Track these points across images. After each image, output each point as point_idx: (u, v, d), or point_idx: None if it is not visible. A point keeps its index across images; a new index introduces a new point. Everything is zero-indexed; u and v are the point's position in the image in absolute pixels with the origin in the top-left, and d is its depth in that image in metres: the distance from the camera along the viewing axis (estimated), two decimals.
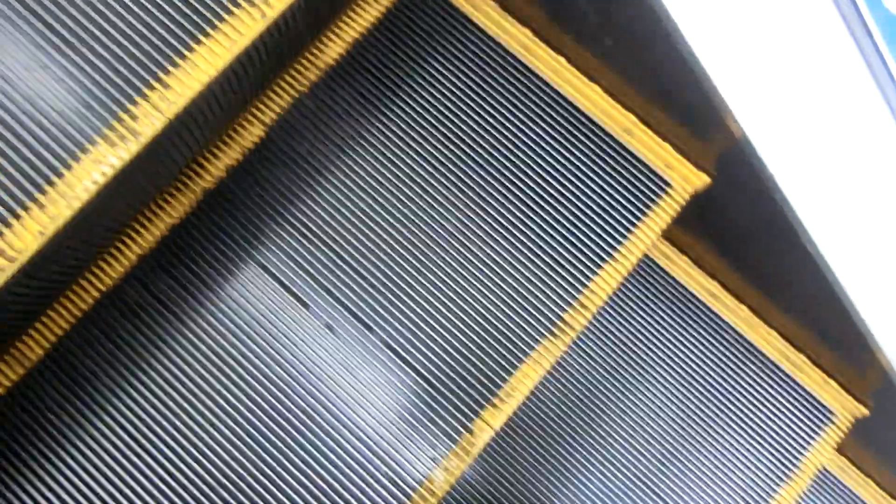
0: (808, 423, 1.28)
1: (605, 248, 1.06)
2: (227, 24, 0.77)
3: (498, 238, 1.06)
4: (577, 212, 1.08)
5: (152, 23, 0.77)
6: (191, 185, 1.06)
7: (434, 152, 1.09)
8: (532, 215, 1.07)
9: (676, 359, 1.31)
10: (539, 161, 1.09)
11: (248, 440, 1.00)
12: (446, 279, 1.05)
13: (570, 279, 1.05)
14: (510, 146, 1.09)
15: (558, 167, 1.09)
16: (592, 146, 1.09)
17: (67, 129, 0.75)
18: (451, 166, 1.08)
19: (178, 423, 1.00)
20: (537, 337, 1.03)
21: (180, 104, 0.77)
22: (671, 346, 1.32)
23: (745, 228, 1.09)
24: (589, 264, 1.06)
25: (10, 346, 1.01)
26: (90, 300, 1.03)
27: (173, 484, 0.98)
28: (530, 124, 1.10)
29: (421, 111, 1.10)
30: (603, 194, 1.08)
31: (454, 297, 1.04)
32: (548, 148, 1.09)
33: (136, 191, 0.96)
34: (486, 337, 1.03)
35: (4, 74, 0.75)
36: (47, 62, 0.76)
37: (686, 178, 1.09)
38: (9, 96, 0.75)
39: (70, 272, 0.98)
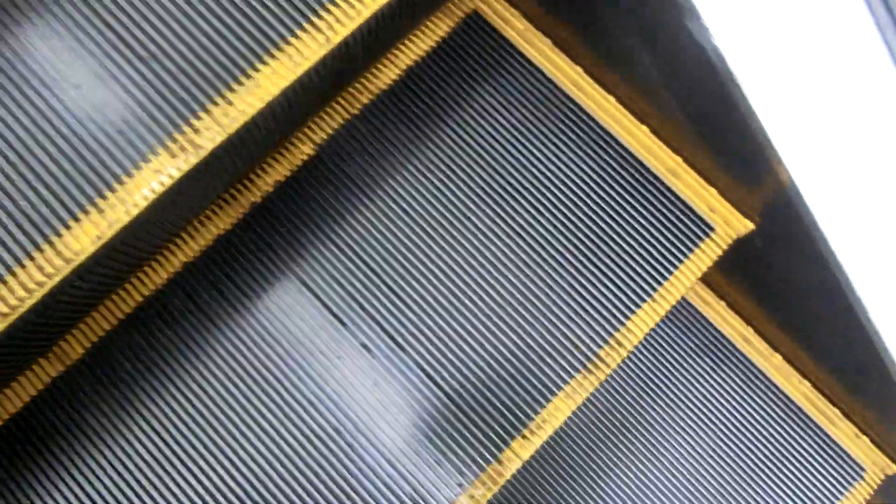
0: (838, 477, 1.26)
1: (645, 287, 1.07)
2: (291, 46, 0.79)
3: (538, 270, 1.07)
4: (618, 250, 1.08)
5: (220, 41, 0.79)
6: (239, 198, 1.08)
7: (479, 181, 1.10)
8: (574, 250, 1.08)
9: (705, 402, 1.30)
10: (584, 197, 1.10)
11: (278, 453, 1.01)
12: (484, 307, 1.05)
13: (609, 316, 1.06)
14: (555, 180, 1.10)
15: (603, 205, 1.09)
16: (638, 186, 1.10)
17: (131, 137, 0.78)
18: (495, 196, 1.09)
19: (210, 431, 1.01)
20: (572, 371, 1.03)
21: (241, 120, 0.79)
22: (700, 389, 1.31)
23: (785, 277, 1.09)
24: (628, 303, 1.06)
25: (53, 345, 1.03)
26: (133, 304, 1.05)
27: (200, 491, 0.99)
28: (576, 160, 1.11)
29: (469, 140, 1.11)
30: (646, 234, 1.08)
31: (491, 326, 1.05)
32: (593, 185, 1.10)
33: (190, 201, 0.98)
34: (521, 367, 1.04)
35: (76, 83, 0.78)
36: (117, 73, 0.78)
37: (730, 223, 1.09)
38: (78, 104, 0.78)
39: (118, 277, 1.00)
